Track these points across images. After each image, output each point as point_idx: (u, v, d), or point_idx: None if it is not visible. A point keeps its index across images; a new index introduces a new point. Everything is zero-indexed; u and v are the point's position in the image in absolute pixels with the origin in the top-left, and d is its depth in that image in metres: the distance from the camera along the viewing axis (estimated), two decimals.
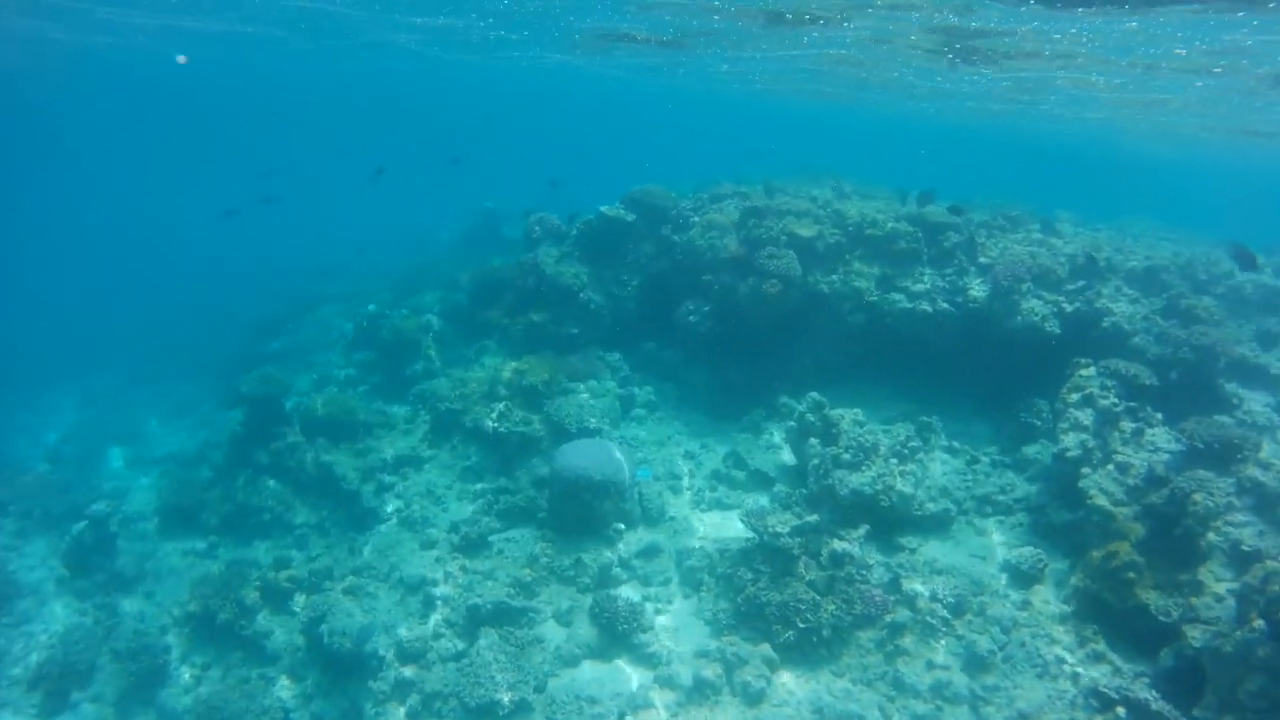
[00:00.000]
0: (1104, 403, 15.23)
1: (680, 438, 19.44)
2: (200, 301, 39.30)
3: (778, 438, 18.54)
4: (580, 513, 15.74)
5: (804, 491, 16.08)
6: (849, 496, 15.07)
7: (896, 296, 19.27)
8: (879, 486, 15.09)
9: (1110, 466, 14.40)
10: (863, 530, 14.45)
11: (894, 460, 15.66)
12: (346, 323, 27.34)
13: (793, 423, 17.25)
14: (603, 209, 21.88)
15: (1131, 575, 12.68)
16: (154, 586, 17.88)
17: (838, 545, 13.94)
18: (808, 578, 13.54)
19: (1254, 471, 13.07)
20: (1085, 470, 14.51)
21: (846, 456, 15.53)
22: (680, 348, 21.18)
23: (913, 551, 15.04)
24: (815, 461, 15.99)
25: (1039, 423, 17.70)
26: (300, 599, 15.96)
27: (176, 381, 30.92)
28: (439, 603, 14.99)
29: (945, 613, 13.48)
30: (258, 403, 19.81)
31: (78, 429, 27.64)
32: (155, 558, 18.62)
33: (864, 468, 15.42)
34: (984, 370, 19.08)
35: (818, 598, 13.33)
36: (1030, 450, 17.28)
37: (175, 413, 28.40)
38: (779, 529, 13.75)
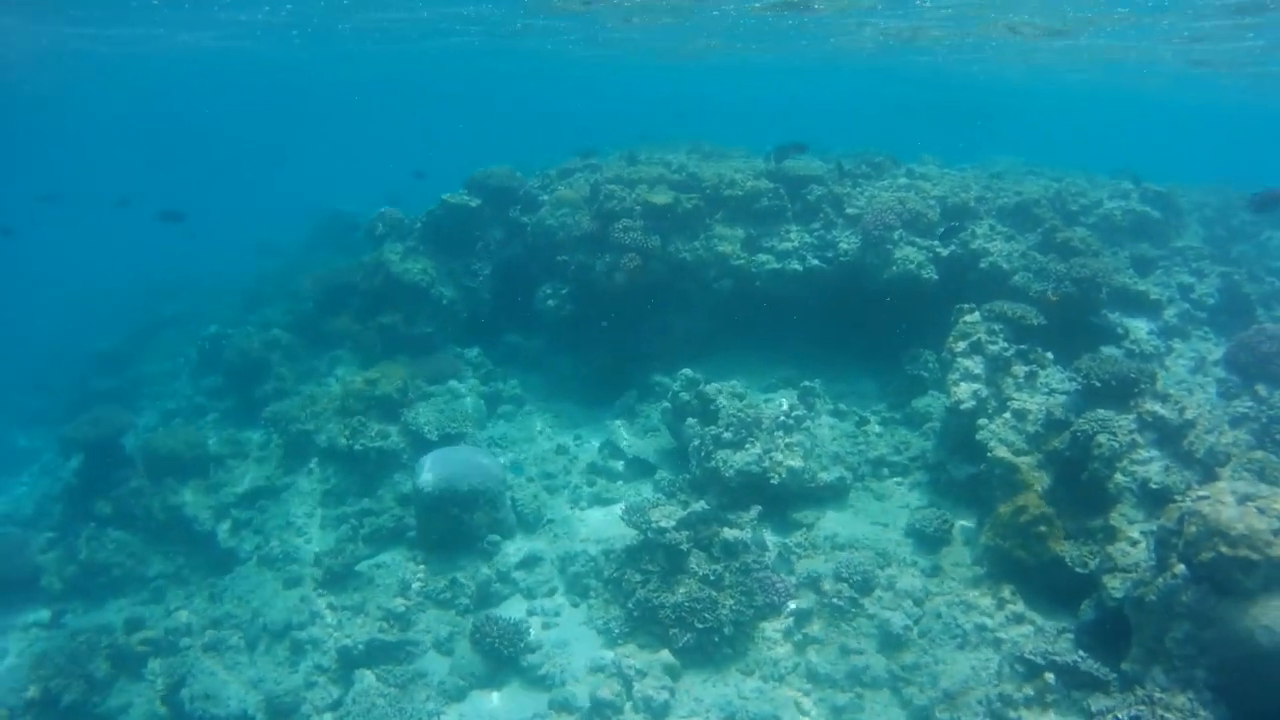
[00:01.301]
0: (993, 348, 14.58)
1: (552, 431, 18.43)
2: (28, 333, 36.62)
3: (655, 420, 17.62)
4: (450, 528, 14.62)
5: (688, 476, 15.20)
6: (735, 478, 14.20)
7: (764, 257, 18.46)
8: (766, 464, 14.26)
9: (1007, 414, 13.77)
10: (755, 512, 13.59)
11: (779, 433, 14.84)
12: (191, 346, 25.58)
13: (667, 403, 16.35)
14: (445, 196, 20.65)
15: (1043, 528, 12.05)
16: None
17: (729, 534, 13.02)
18: (701, 573, 12.60)
19: (1152, 405, 12.51)
20: (982, 421, 13.84)
21: (728, 435, 14.65)
22: (542, 335, 20.17)
23: (810, 528, 14.27)
24: (695, 443, 15.11)
25: (926, 374, 17.14)
26: (156, 664, 14.53)
27: (8, 430, 28.66)
28: (308, 647, 13.73)
29: (852, 592, 12.68)
30: (93, 448, 18.15)
31: None
32: None
33: (748, 445, 14.55)
34: (863, 325, 18.49)
35: (714, 594, 12.40)
36: (920, 403, 16.70)
37: (7, 466, 26.20)
38: (663, 523, 12.81)
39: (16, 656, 16.09)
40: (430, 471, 14.57)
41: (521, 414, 19.02)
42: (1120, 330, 16.53)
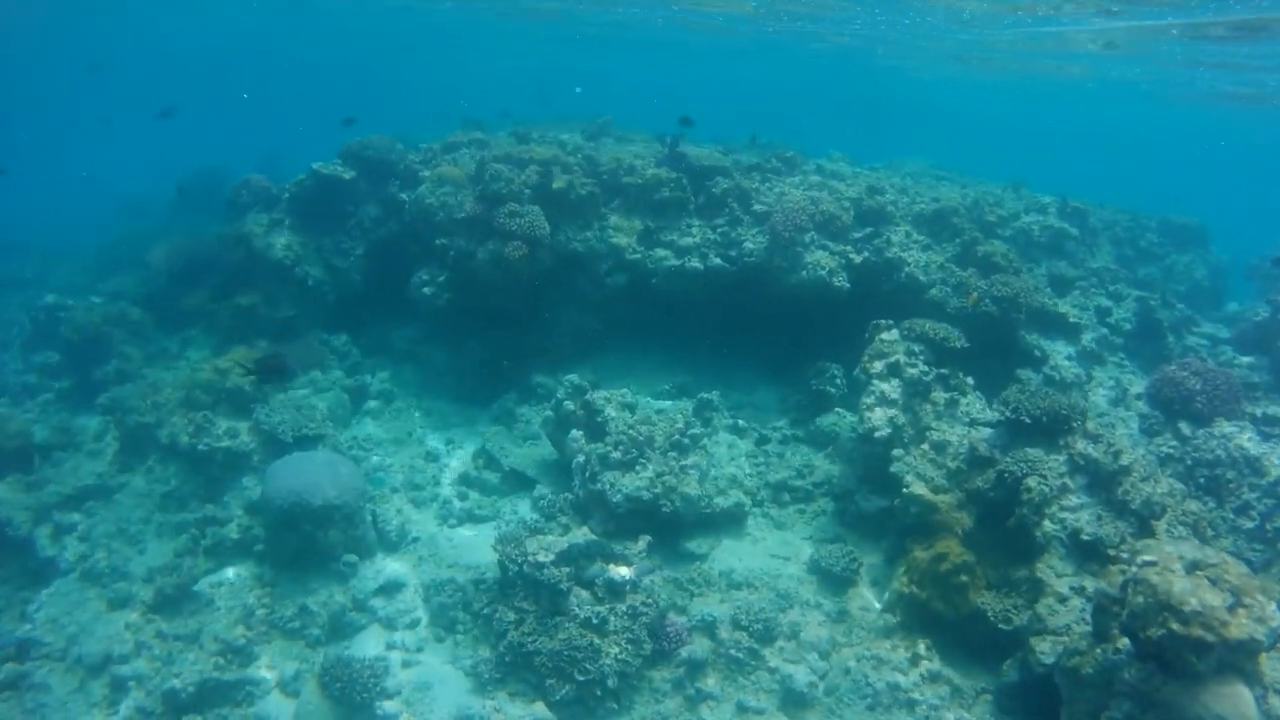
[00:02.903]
0: (912, 371, 13.45)
1: (422, 433, 16.84)
2: None
3: (535, 425, 16.16)
4: (302, 546, 12.98)
5: (569, 496, 13.75)
6: (623, 504, 12.77)
7: (662, 253, 17.11)
8: (658, 489, 12.87)
9: (925, 446, 12.65)
10: (644, 544, 12.18)
11: (673, 454, 13.49)
12: (26, 314, 23.23)
13: (550, 412, 14.89)
14: (316, 166, 18.73)
15: (964, 578, 10.97)
16: None
17: (616, 572, 11.55)
18: (583, 615, 11.10)
19: (1084, 446, 11.47)
20: (897, 452, 12.68)
21: (616, 455, 13.22)
22: (417, 325, 18.50)
23: (704, 559, 12.99)
24: (580, 460, 13.67)
25: (832, 390, 16.08)
26: None
27: None
28: (131, 685, 11.91)
29: (752, 642, 11.40)
30: None
31: None
32: None
33: (639, 467, 13.15)
34: (765, 332, 17.40)
35: (597, 640, 10.93)
36: (825, 421, 15.61)
37: None
38: (541, 557, 11.33)
39: None
40: (280, 482, 12.88)
41: (390, 411, 17.38)
42: (1039, 353, 15.70)
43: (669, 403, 16.33)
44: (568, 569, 11.45)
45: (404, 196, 18.83)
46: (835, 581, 12.54)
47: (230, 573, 13.49)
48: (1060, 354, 16.08)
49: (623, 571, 11.59)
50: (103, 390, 17.75)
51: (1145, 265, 22.70)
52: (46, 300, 20.39)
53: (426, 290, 17.37)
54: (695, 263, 16.91)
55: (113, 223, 33.70)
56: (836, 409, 16.05)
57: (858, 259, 16.86)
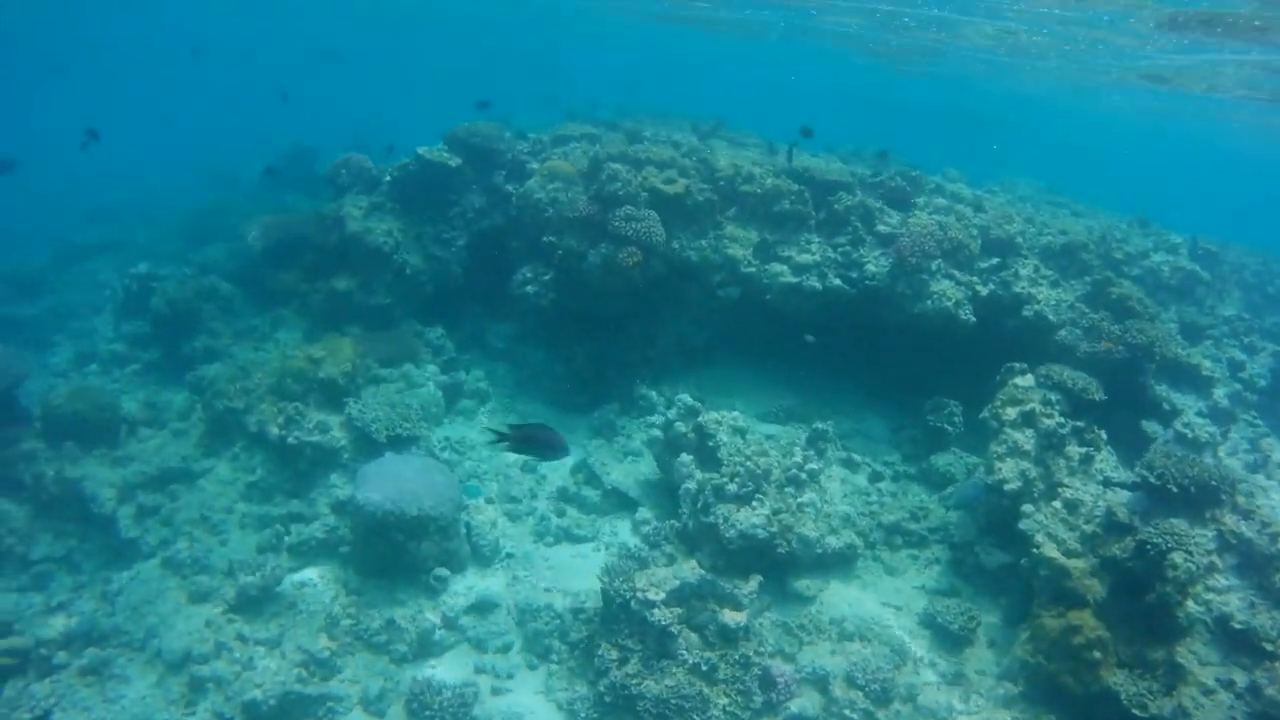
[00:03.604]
0: (1047, 422, 12.52)
1: None
2: None
3: (637, 441, 15.44)
4: (391, 555, 12.36)
5: (675, 524, 12.98)
6: (737, 540, 11.98)
7: (778, 268, 16.24)
8: (774, 528, 12.06)
9: (1057, 503, 11.71)
10: (755, 584, 11.43)
11: (790, 489, 12.70)
12: (120, 281, 22.96)
13: (657, 431, 14.12)
14: (421, 150, 18.05)
15: (1097, 655, 10.05)
16: None
17: (729, 617, 10.80)
18: (691, 661, 10.39)
19: (1235, 522, 10.53)
20: (1027, 508, 11.75)
21: (732, 488, 12.42)
22: (515, 322, 17.83)
23: (812, 601, 12.18)
24: (691, 487, 12.89)
25: (949, 428, 15.15)
26: (16, 688, 12.12)
27: None
28: (209, 687, 11.40)
29: (867, 703, 10.59)
30: None
31: None
32: None
33: (755, 503, 12.36)
34: (879, 359, 16.48)
35: (705, 689, 10.20)
36: (940, 462, 14.72)
37: None
38: (651, 595, 10.61)
39: None
40: (375, 488, 12.25)
41: (484, 412, 16.74)
42: (1168, 407, 14.62)
43: (775, 426, 15.60)
44: (679, 610, 10.73)
45: (510, 188, 18.17)
46: (951, 639, 11.71)
47: (312, 574, 12.97)
48: (1191, 409, 15.03)
49: (736, 617, 10.82)
50: (190, 365, 17.34)
51: (1275, 313, 21.43)
52: (140, 269, 20.01)
53: (530, 289, 16.70)
54: (814, 281, 16.06)
55: (202, 192, 33.59)
56: (953, 448, 15.16)
57: (983, 291, 15.95)
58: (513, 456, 15.36)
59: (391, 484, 12.28)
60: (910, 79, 49.94)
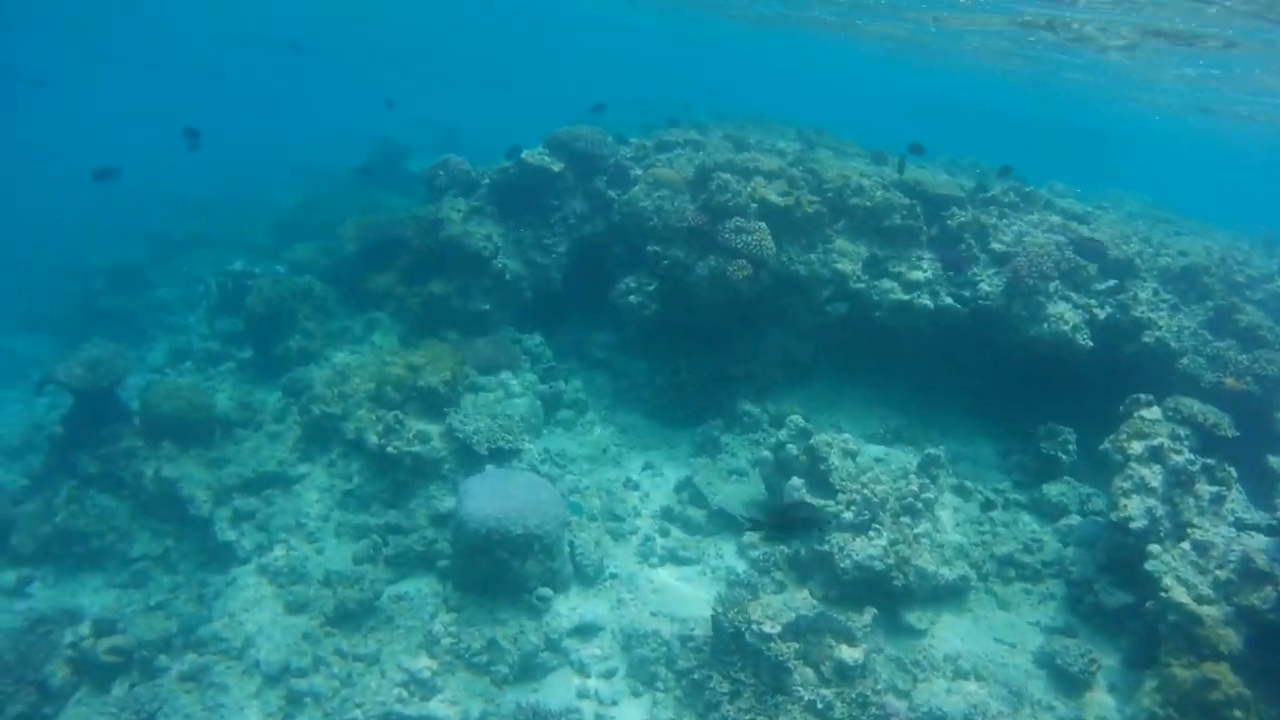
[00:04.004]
0: (1176, 459, 11.89)
1: (619, 451, 15.73)
2: (40, 235, 34.04)
3: (742, 458, 14.98)
4: (494, 573, 12.02)
5: (786, 550, 12.52)
6: (852, 571, 11.52)
7: (888, 285, 15.71)
8: (891, 560, 11.57)
9: (1185, 545, 11.07)
10: (869, 617, 10.95)
11: (905, 519, 12.16)
12: (213, 276, 22.99)
13: (767, 453, 13.66)
14: (523, 154, 17.69)
15: (1238, 714, 9.43)
16: None
17: (847, 653, 10.35)
18: (807, 699, 9.93)
19: None
20: (1154, 548, 11.14)
21: (848, 516, 11.96)
22: (615, 331, 17.44)
23: (924, 634, 11.66)
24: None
25: (1063, 456, 14.49)
26: (124, 686, 12.00)
27: (12, 334, 26.34)
28: (307, 702, 11.17)
29: None
30: (85, 396, 15.55)
31: None
32: None
33: (871, 532, 11.87)
34: (988, 381, 15.87)
35: None
36: (1053, 491, 14.07)
37: (6, 376, 23.93)
38: (767, 628, 10.18)
39: None
40: (479, 503, 11.92)
41: (582, 423, 16.34)
42: None
43: (881, 448, 15.04)
44: (795, 644, 10.28)
45: (613, 194, 17.78)
46: (1069, 681, 11.11)
47: (410, 587, 12.71)
48: None
49: (853, 653, 10.36)
50: (283, 365, 17.21)
51: None
52: (235, 266, 20.00)
53: (633, 299, 16.29)
54: (925, 299, 15.50)
55: (293, 188, 33.79)
56: (1066, 477, 14.50)
57: (1101, 314, 15.28)
58: (617, 471, 15.00)
59: (496, 500, 11.94)
60: (1016, 88, 48.49)
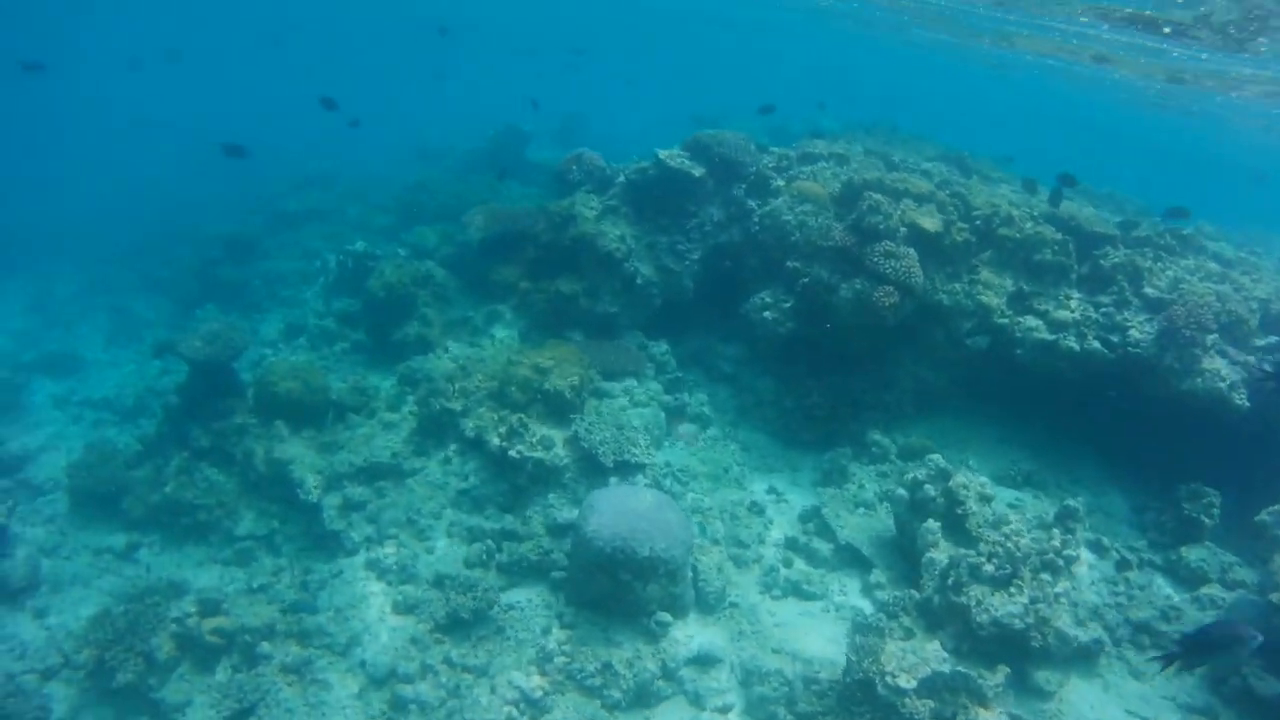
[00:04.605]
0: None
1: (741, 471, 15.06)
2: (167, 200, 34.49)
3: (869, 491, 14.26)
4: (613, 593, 11.46)
5: (916, 596, 11.76)
6: (989, 627, 10.74)
7: (1034, 322, 14.90)
8: (1030, 619, 10.76)
9: None
10: (1002, 677, 10.15)
11: (1045, 575, 11.33)
12: (331, 253, 22.80)
13: (902, 491, 12.88)
14: (662, 155, 17.05)
15: None
16: (49, 601, 13.53)
17: (981, 716, 9.58)
18: None
19: None
20: None
21: (989, 569, 11.17)
22: (744, 345, 16.82)
23: (1051, 697, 10.83)
24: (937, 558, 11.71)
25: (1206, 520, 13.48)
26: (226, 669, 11.67)
27: (132, 294, 26.62)
28: (412, 709, 10.73)
29: None
30: (202, 368, 15.33)
31: (9, 349, 23.41)
32: (57, 555, 14.39)
33: (1012, 588, 11.07)
34: (1128, 431, 14.88)
35: None
36: (1192, 555, 13.13)
37: (124, 335, 24.19)
38: (902, 682, 9.45)
39: (81, 589, 13.59)
40: (605, 520, 11.34)
41: (705, 438, 15.71)
42: None
43: (1011, 491, 14.31)
44: (930, 702, 9.54)
45: (753, 204, 17.14)
46: None
47: (520, 597, 12.20)
48: None
49: (987, 715, 9.59)
50: (399, 351, 16.93)
51: None
52: (356, 247, 19.75)
53: (768, 314, 15.64)
54: (1071, 342, 14.63)
55: (409, 166, 33.73)
56: (1207, 542, 13.52)
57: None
58: (740, 494, 14.35)
59: (623, 518, 11.36)
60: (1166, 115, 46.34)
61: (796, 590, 12.65)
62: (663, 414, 15.12)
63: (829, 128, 30.42)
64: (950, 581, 11.34)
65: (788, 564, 13.08)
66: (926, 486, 12.52)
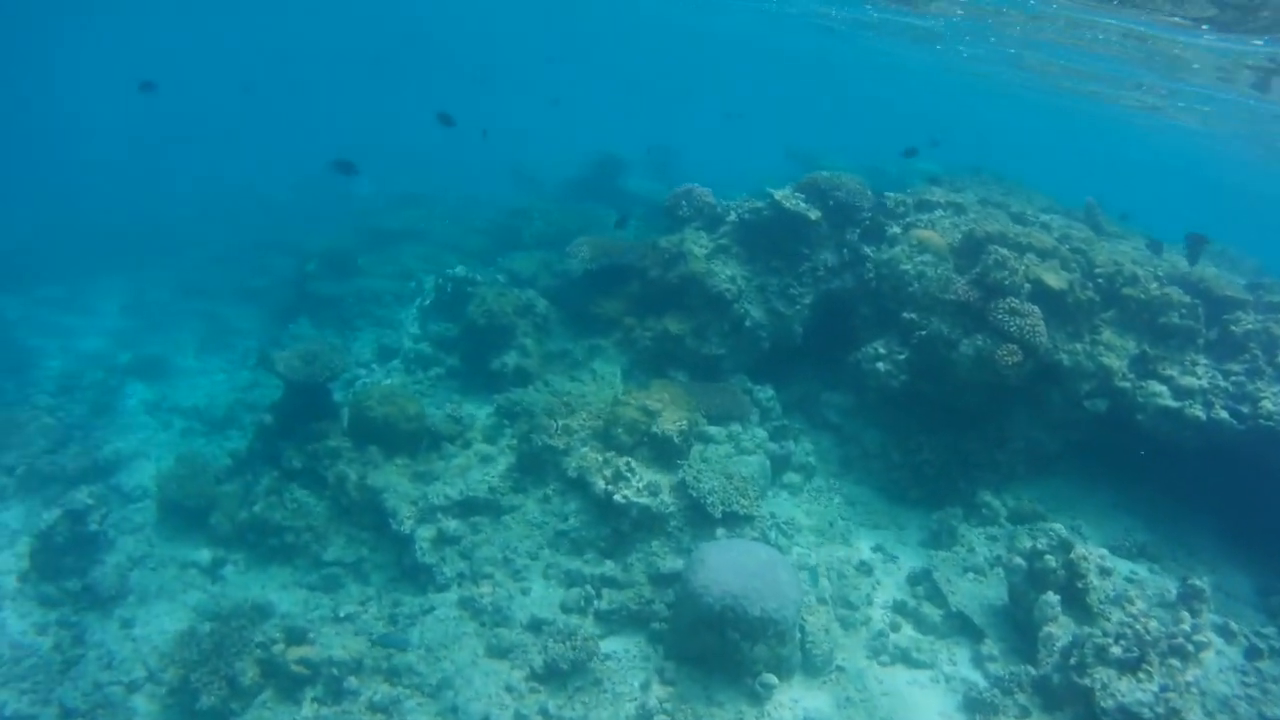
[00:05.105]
0: None
1: (847, 527, 14.48)
2: (267, 211, 34.88)
3: (980, 555, 13.61)
4: (719, 650, 10.96)
5: (1033, 673, 11.11)
6: (1115, 713, 10.05)
7: (1157, 388, 14.19)
8: (1162, 710, 10.07)
9: None
10: None
11: (1174, 660, 10.63)
12: (429, 274, 22.63)
13: (1020, 560, 12.23)
14: (777, 196, 16.54)
15: None
16: (135, 611, 13.43)
17: None
18: None
19: None
20: None
21: (1116, 650, 10.51)
22: (852, 395, 16.23)
23: None
24: (1057, 634, 11.09)
25: None
26: (311, 702, 11.33)
27: (225, 301, 26.84)
28: None
29: None
30: (298, 389, 15.14)
31: (105, 350, 23.62)
32: (145, 566, 14.29)
33: (1141, 674, 10.39)
34: (1254, 506, 14.12)
35: None
36: None
37: (215, 343, 24.29)
38: None
39: (167, 602, 13.42)
40: (716, 577, 10.85)
41: (810, 489, 15.17)
42: None
43: (1125, 562, 13.60)
44: None
45: (868, 250, 16.61)
46: None
47: (618, 646, 11.77)
48: None
49: None
50: (496, 380, 16.65)
51: None
52: (456, 271, 19.52)
53: (881, 365, 15.09)
54: (1197, 410, 13.91)
55: (503, 188, 33.75)
56: None
57: None
58: (846, 551, 13.78)
59: (734, 575, 10.87)
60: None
61: (905, 657, 12.02)
62: (768, 462, 14.60)
63: (929, 169, 29.80)
64: (1073, 661, 10.71)
65: (896, 628, 12.47)
66: (1047, 557, 11.88)
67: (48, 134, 50.26)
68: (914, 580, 13.32)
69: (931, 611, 12.71)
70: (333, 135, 37.16)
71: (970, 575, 13.40)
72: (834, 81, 73.43)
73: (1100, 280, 15.40)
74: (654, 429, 13.45)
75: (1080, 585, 11.59)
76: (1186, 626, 11.09)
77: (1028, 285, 14.34)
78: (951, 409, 15.06)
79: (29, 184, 38.29)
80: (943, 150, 31.22)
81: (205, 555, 14.32)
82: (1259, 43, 19.92)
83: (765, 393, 15.90)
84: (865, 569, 13.51)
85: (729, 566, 10.97)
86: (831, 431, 16.30)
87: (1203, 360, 14.80)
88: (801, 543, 13.72)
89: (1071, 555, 11.84)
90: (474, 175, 36.99)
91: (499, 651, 11.63)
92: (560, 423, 13.99)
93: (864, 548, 14.08)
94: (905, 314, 15.06)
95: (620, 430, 13.53)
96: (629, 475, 12.89)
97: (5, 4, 63.50)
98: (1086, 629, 10.98)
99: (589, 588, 12.34)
